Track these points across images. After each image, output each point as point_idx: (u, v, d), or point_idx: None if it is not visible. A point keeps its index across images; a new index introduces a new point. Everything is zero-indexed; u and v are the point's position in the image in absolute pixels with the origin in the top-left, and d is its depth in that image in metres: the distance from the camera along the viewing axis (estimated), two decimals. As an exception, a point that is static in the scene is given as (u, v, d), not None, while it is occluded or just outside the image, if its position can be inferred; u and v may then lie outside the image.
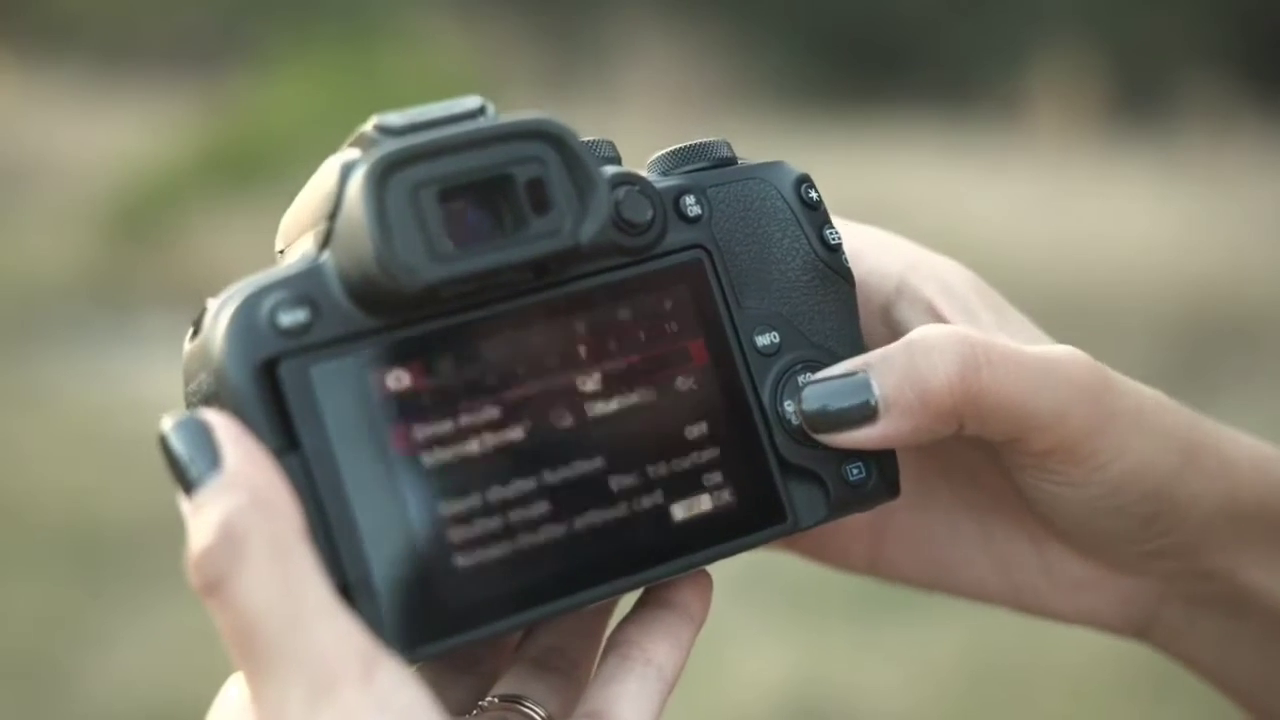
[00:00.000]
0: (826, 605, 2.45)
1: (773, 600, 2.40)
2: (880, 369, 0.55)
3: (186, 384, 0.52)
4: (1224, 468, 0.59)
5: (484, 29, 5.88)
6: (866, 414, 0.54)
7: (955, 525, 0.63)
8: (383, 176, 0.50)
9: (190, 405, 0.51)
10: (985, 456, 0.62)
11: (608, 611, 0.58)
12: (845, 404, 0.55)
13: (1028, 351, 0.56)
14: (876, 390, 0.54)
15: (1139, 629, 0.63)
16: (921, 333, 0.55)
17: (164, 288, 4.01)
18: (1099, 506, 0.58)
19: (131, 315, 3.90)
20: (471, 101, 0.52)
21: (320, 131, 4.17)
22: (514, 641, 0.57)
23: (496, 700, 0.54)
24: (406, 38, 5.13)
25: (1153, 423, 0.58)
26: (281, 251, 0.54)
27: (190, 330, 0.52)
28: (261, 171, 4.30)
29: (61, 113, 5.33)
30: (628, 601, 0.55)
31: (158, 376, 3.38)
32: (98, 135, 5.02)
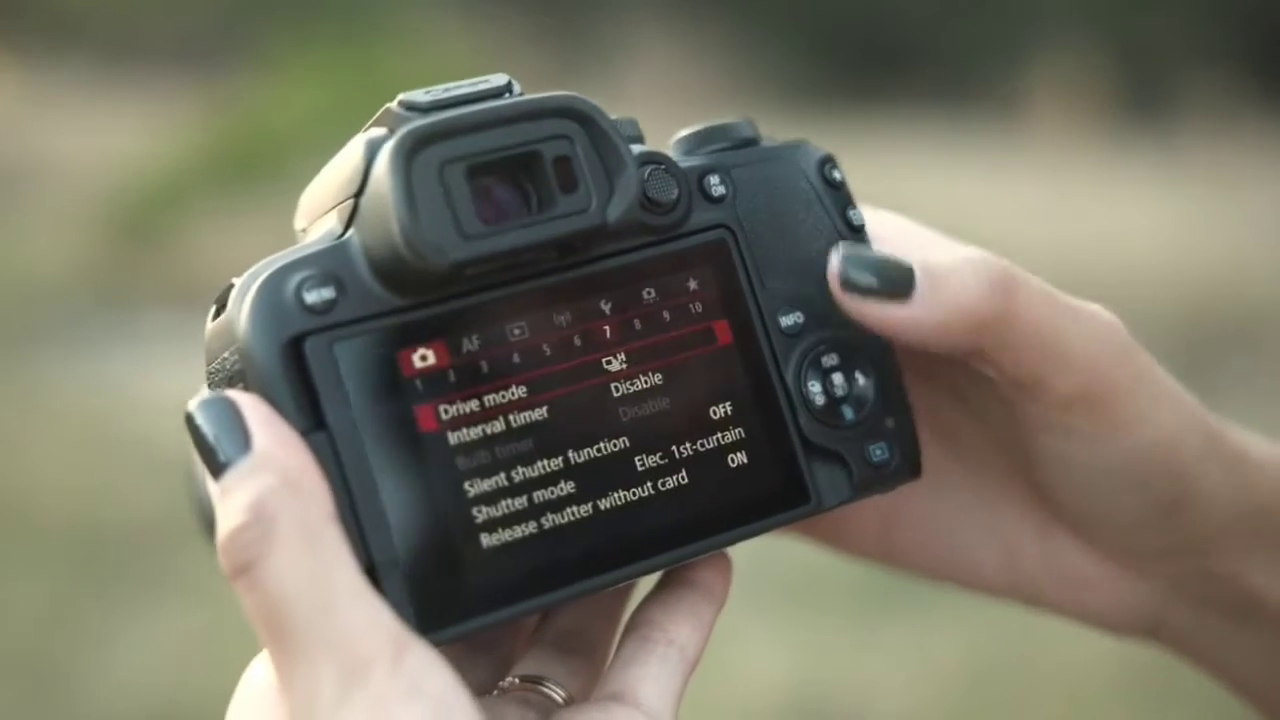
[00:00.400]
0: (828, 605, 2.45)
1: (774, 599, 2.40)
2: (924, 263, 0.54)
3: (209, 362, 0.51)
4: (1242, 465, 0.59)
5: (486, 28, 5.88)
6: (903, 287, 0.53)
7: (965, 513, 0.63)
8: (411, 153, 0.49)
9: (212, 384, 0.51)
10: (998, 442, 0.62)
11: (626, 593, 0.58)
12: (887, 271, 0.54)
13: (1063, 296, 0.55)
14: (919, 275, 0.53)
15: (1145, 629, 0.63)
16: (967, 250, 0.55)
17: (165, 288, 4.01)
18: (1122, 478, 0.57)
19: (133, 315, 3.90)
20: (498, 79, 0.52)
21: (322, 131, 4.17)
22: (531, 623, 0.57)
23: (517, 681, 0.54)
24: (408, 37, 5.12)
25: (1179, 400, 0.57)
26: (303, 230, 0.54)
27: (213, 309, 0.51)
28: (263, 171, 4.30)
29: (62, 113, 5.32)
30: (645, 584, 0.55)
31: (159, 377, 3.38)
32: (99, 135, 5.02)
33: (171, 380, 3.24)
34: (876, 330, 0.54)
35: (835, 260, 0.54)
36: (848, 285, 0.54)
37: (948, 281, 0.53)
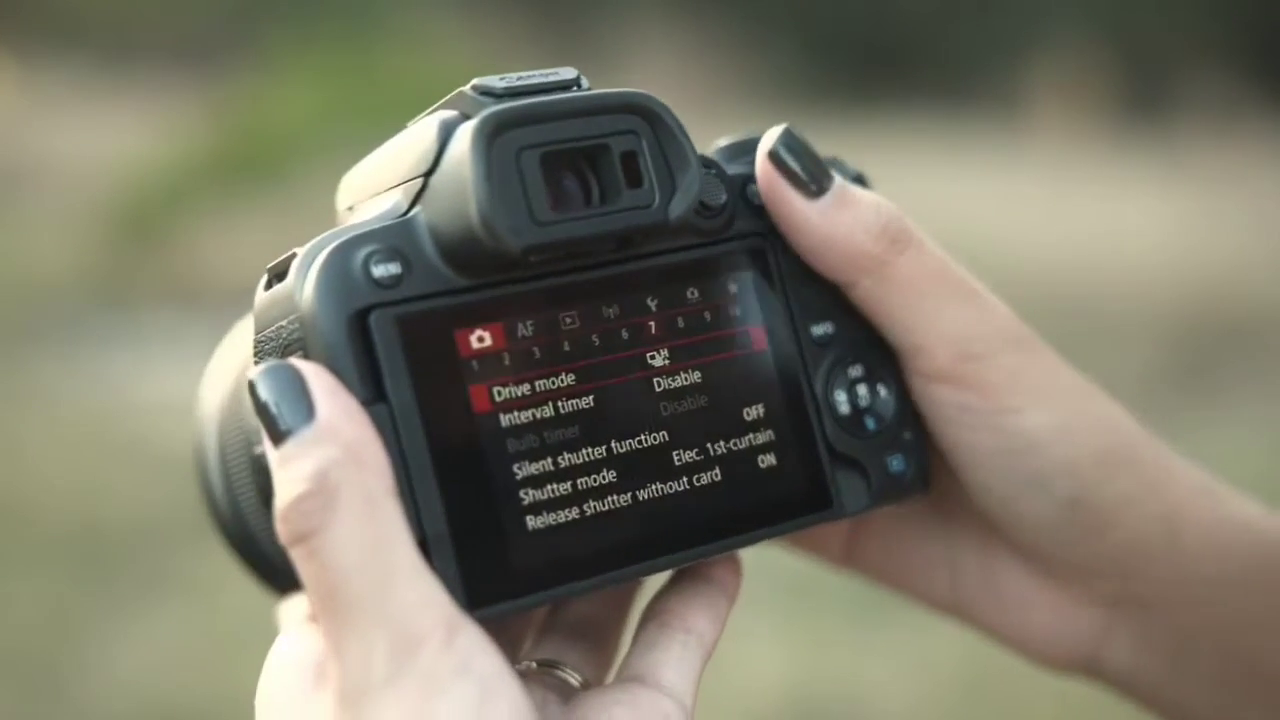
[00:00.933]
0: (827, 606, 2.45)
1: (774, 600, 2.40)
2: (845, 183, 0.56)
3: (259, 330, 0.52)
4: (1160, 481, 0.59)
5: (487, 29, 5.88)
6: (818, 186, 0.55)
7: (922, 530, 0.64)
8: (492, 135, 0.50)
9: (261, 352, 0.51)
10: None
11: (637, 584, 0.59)
12: (813, 165, 0.56)
13: (961, 276, 0.57)
14: (835, 186, 0.56)
15: (1083, 661, 0.63)
16: (881, 198, 0.57)
17: (165, 288, 4.01)
18: (1016, 470, 0.57)
19: (133, 315, 3.90)
20: (568, 72, 0.53)
21: (322, 131, 4.17)
22: (542, 610, 0.58)
23: (535, 665, 0.55)
24: (409, 37, 5.13)
25: (1076, 394, 0.58)
26: (350, 208, 0.55)
27: (265, 278, 0.52)
28: (263, 171, 4.30)
29: (62, 113, 5.33)
30: (653, 578, 0.56)
31: (159, 377, 3.38)
32: (99, 135, 5.02)
33: (171, 380, 3.24)
34: (773, 214, 0.56)
35: (775, 133, 0.56)
36: (774, 158, 0.56)
37: (854, 205, 0.56)
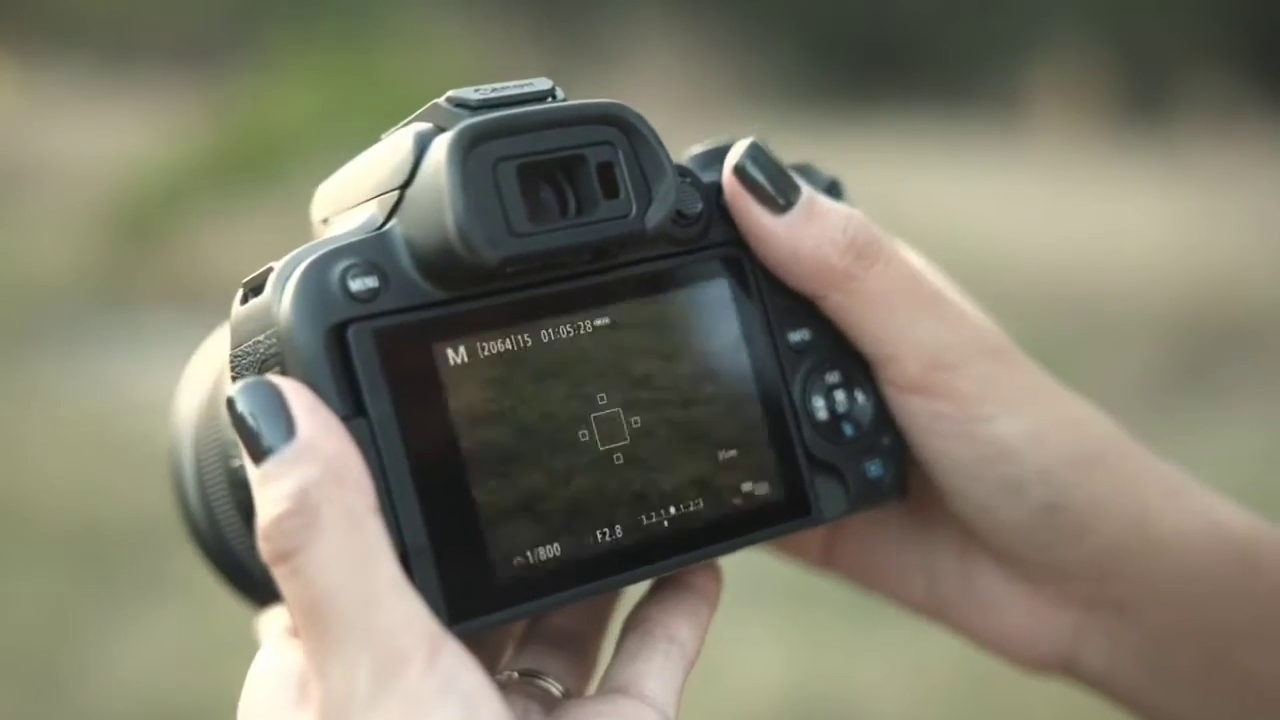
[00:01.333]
0: (824, 607, 2.45)
1: (770, 602, 2.40)
2: (813, 195, 0.56)
3: (236, 345, 0.51)
4: (1134, 483, 0.59)
5: (487, 29, 5.88)
6: (784, 200, 0.55)
7: (900, 534, 0.64)
8: (469, 147, 0.50)
9: (239, 366, 0.51)
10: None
11: (616, 595, 0.59)
12: (779, 178, 0.56)
13: (935, 288, 0.57)
14: (802, 199, 0.55)
15: (1059, 661, 0.63)
16: (855, 211, 0.56)
17: (165, 288, 4.01)
18: (992, 479, 0.57)
19: (132, 315, 3.90)
20: (542, 83, 0.53)
21: (322, 131, 4.17)
22: (521, 621, 0.58)
23: (516, 675, 0.55)
24: (409, 38, 5.12)
25: (1050, 400, 0.58)
26: (325, 220, 0.55)
27: (241, 293, 0.52)
28: (263, 171, 4.30)
29: (62, 113, 5.32)
30: (633, 588, 0.56)
31: (159, 377, 3.38)
32: (99, 135, 5.02)
33: (171, 380, 3.23)
34: (740, 228, 0.56)
35: (741, 147, 0.56)
36: (740, 173, 0.56)
37: (821, 219, 0.55)
